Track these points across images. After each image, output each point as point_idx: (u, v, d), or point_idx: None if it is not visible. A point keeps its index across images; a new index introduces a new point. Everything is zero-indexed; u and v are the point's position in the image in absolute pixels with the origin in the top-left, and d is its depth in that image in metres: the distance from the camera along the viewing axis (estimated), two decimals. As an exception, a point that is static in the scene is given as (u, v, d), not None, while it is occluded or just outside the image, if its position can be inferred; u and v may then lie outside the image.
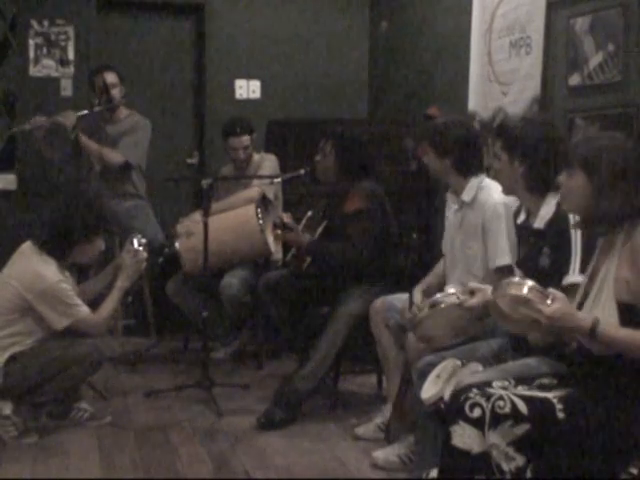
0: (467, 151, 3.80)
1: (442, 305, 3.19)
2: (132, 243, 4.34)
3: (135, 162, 5.64)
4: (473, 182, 3.80)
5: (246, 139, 5.48)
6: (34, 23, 6.42)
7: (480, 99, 5.30)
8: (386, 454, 3.76)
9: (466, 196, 3.80)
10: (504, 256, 3.57)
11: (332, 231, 4.68)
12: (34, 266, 4.07)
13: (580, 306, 2.65)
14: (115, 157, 5.57)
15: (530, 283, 2.59)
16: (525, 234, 3.27)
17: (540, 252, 3.11)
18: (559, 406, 2.51)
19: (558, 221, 3.06)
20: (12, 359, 4.01)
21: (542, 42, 4.68)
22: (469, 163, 3.81)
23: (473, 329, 3.25)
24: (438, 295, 3.25)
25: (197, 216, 5.14)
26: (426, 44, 6.15)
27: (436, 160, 3.85)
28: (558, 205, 3.08)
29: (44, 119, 5.41)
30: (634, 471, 2.49)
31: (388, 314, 4.03)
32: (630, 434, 2.50)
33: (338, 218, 4.60)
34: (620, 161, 2.60)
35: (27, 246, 4.16)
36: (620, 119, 4.03)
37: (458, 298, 3.16)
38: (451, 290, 3.23)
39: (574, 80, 4.43)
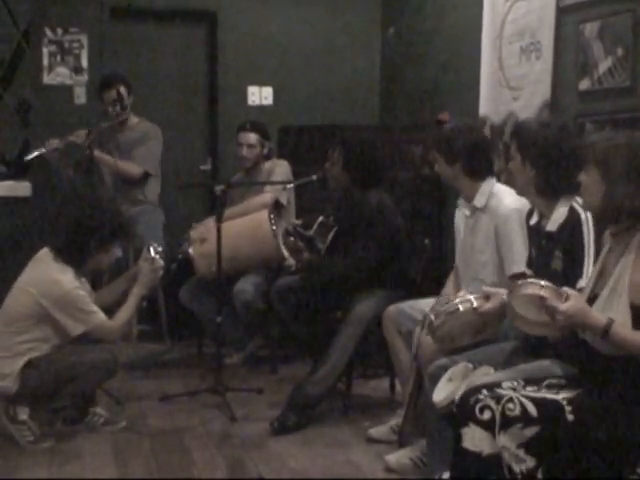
0: (476, 155, 3.82)
1: (458, 311, 3.22)
2: (149, 251, 4.36)
3: (153, 171, 5.73)
4: (484, 187, 3.82)
5: (253, 137, 5.51)
6: (48, 31, 6.48)
7: (491, 104, 5.32)
8: (399, 457, 3.77)
9: (478, 202, 3.82)
10: (520, 263, 3.56)
11: (342, 238, 4.71)
12: (51, 273, 4.10)
13: (589, 305, 2.67)
14: (134, 169, 5.67)
15: (544, 282, 2.63)
16: (537, 236, 3.28)
17: (552, 255, 3.13)
18: (568, 408, 2.53)
19: (570, 224, 3.08)
20: (29, 364, 4.04)
21: (552, 47, 4.70)
22: (479, 167, 3.83)
23: (490, 330, 3.27)
24: (455, 301, 3.28)
25: (210, 222, 5.17)
26: (437, 50, 6.17)
27: (447, 167, 3.87)
28: (571, 209, 3.10)
29: (57, 141, 5.48)
30: (643, 472, 2.52)
31: (400, 320, 4.05)
32: (637, 434, 2.52)
33: (347, 226, 4.64)
34: (632, 158, 2.63)
35: (44, 253, 4.19)
36: (629, 123, 4.04)
37: (473, 304, 3.19)
38: (468, 296, 3.25)
39: (584, 85, 4.45)
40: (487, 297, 3.14)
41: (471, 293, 3.28)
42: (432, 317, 3.33)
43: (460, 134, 3.84)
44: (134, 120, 5.82)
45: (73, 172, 5.73)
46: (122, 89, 5.66)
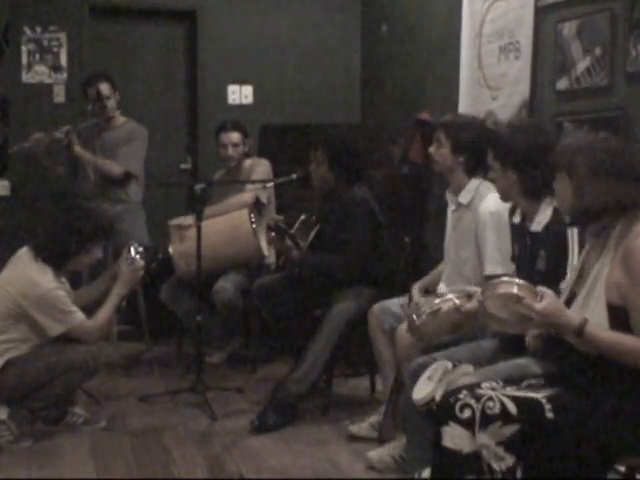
0: (480, 152, 3.83)
1: (440, 311, 3.24)
2: (129, 251, 4.34)
3: (136, 172, 5.71)
4: (472, 184, 3.83)
5: (236, 136, 5.50)
6: (27, 29, 6.44)
7: (470, 103, 5.34)
8: (379, 454, 3.78)
9: (463, 198, 3.84)
10: (494, 265, 3.57)
11: (324, 236, 4.71)
12: (30, 273, 4.08)
13: (567, 305, 2.68)
14: (115, 168, 5.64)
15: (519, 281, 2.64)
16: (521, 235, 3.29)
17: (536, 255, 3.14)
18: (548, 406, 2.54)
19: (555, 226, 3.09)
20: (8, 364, 4.02)
21: (531, 47, 4.72)
22: (478, 164, 3.82)
23: (469, 327, 3.30)
24: (436, 301, 3.30)
25: (190, 219, 5.15)
26: (417, 49, 6.18)
27: (449, 155, 3.85)
28: (555, 210, 3.11)
29: (42, 135, 5.46)
30: (621, 468, 2.53)
31: (384, 318, 4.07)
32: (617, 432, 2.53)
33: (330, 223, 4.64)
34: (595, 157, 2.65)
35: (24, 252, 4.17)
36: (607, 122, 4.06)
37: (455, 303, 3.21)
38: (449, 295, 3.28)
39: (562, 84, 4.47)
40: (469, 296, 3.16)
41: (452, 292, 3.31)
42: (414, 317, 3.35)
43: (473, 128, 3.85)
44: (120, 120, 5.80)
45: (58, 169, 5.71)
46: (103, 87, 5.64)
